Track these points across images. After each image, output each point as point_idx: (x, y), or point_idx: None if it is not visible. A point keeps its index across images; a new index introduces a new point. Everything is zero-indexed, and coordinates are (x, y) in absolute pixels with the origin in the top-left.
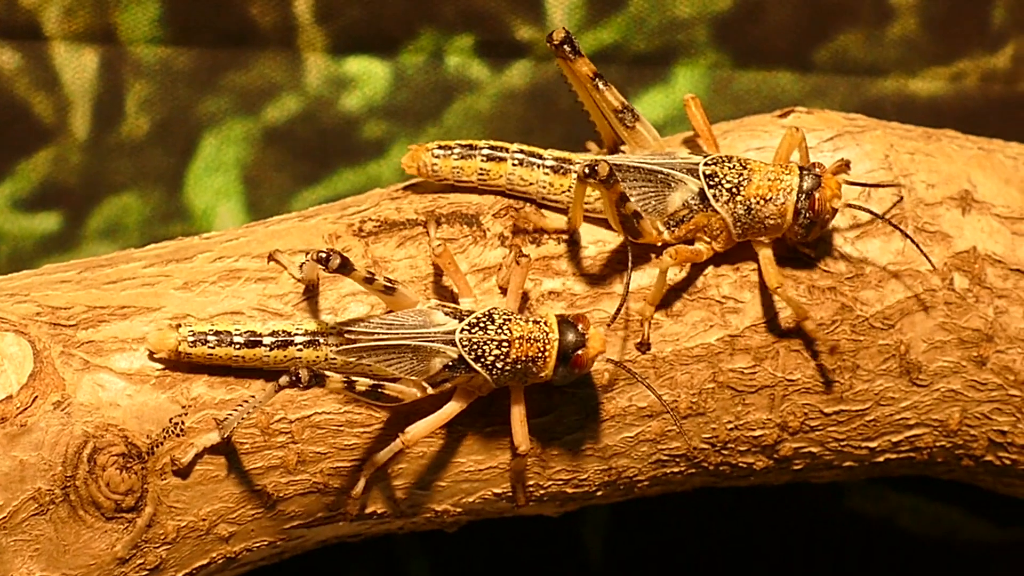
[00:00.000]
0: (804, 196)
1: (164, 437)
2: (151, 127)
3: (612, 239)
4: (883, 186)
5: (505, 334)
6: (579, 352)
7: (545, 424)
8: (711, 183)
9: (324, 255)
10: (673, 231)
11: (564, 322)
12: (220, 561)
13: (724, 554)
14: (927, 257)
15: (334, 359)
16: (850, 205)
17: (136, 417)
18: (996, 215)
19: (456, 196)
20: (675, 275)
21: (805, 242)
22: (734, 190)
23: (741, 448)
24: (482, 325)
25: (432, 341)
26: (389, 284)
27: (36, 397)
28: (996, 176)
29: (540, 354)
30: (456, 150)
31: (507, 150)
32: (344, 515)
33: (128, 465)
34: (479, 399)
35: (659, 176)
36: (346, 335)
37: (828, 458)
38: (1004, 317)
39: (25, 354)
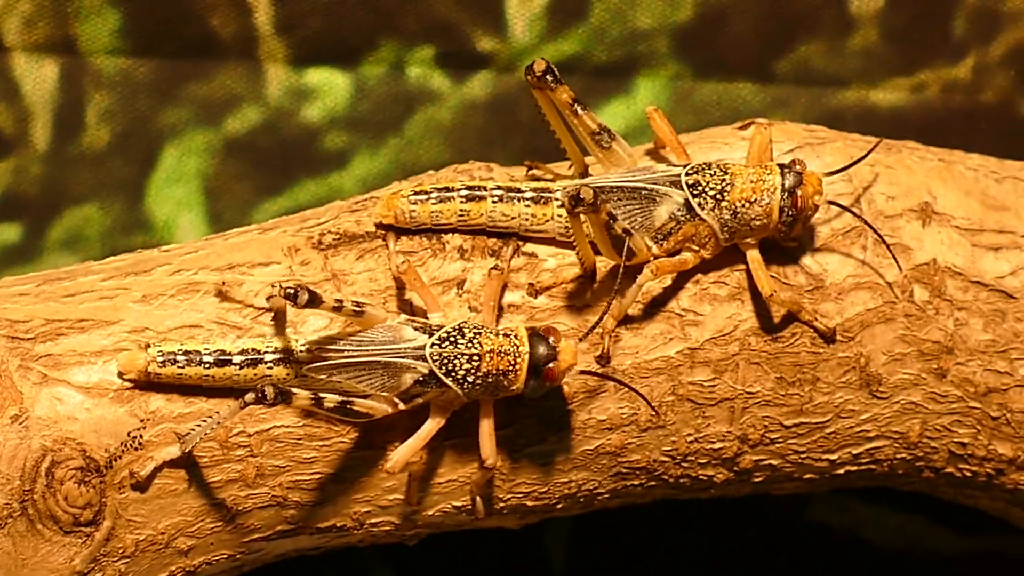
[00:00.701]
0: (787, 194)
1: (122, 451)
2: (112, 138)
3: (571, 252)
4: (856, 163)
5: (476, 348)
6: (550, 365)
7: (506, 437)
8: (695, 192)
9: (292, 291)
10: (662, 245)
11: (535, 335)
12: (179, 575)
13: (687, 565)
14: (896, 260)
15: (304, 376)
16: (831, 203)
17: (94, 431)
18: (956, 227)
19: None
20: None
21: (789, 238)
22: (718, 196)
23: (701, 460)
24: (452, 339)
25: (402, 357)
26: (358, 308)
27: None
28: (956, 188)
29: (511, 367)
30: (433, 195)
31: (485, 188)
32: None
33: (86, 479)
34: (455, 413)
35: (643, 192)
36: (316, 352)
37: (788, 470)
38: (964, 329)
39: None
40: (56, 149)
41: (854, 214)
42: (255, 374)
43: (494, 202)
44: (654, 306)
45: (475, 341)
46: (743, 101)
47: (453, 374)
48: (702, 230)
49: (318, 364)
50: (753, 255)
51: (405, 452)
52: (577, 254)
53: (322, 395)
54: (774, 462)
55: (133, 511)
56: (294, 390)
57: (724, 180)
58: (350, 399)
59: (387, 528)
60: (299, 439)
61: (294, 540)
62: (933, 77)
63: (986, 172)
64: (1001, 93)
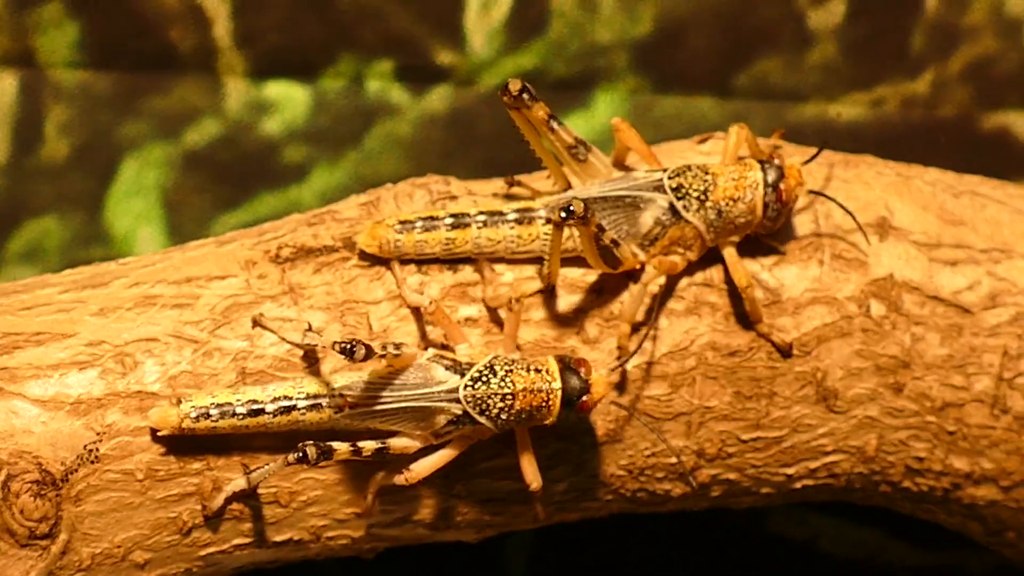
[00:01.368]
0: (771, 189)
1: (79, 464)
2: (71, 151)
3: (528, 266)
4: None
5: (508, 387)
6: (584, 398)
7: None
8: (679, 195)
9: (349, 347)
10: (648, 250)
11: (566, 368)
12: None
13: None
14: (863, 233)
15: (338, 420)
16: (812, 191)
17: (51, 444)
18: (914, 242)
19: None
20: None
21: (772, 232)
22: (702, 197)
23: (658, 475)
24: (484, 379)
25: (436, 400)
26: (396, 351)
27: None
28: (914, 202)
29: (544, 403)
30: (418, 224)
31: (468, 215)
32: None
33: (42, 492)
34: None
35: (627, 200)
36: (348, 398)
37: (746, 484)
38: (921, 344)
39: None
40: (15, 162)
41: (840, 205)
42: (289, 420)
43: (479, 228)
44: (610, 320)
45: (508, 379)
46: (702, 115)
47: (487, 413)
48: (688, 232)
49: (351, 411)
50: (730, 251)
51: (424, 470)
52: (545, 269)
53: (360, 444)
54: (731, 476)
55: (89, 524)
56: (334, 445)
57: (707, 180)
58: (385, 444)
59: (344, 542)
60: (256, 452)
61: (251, 553)
62: (892, 92)
63: (944, 187)
64: (959, 108)
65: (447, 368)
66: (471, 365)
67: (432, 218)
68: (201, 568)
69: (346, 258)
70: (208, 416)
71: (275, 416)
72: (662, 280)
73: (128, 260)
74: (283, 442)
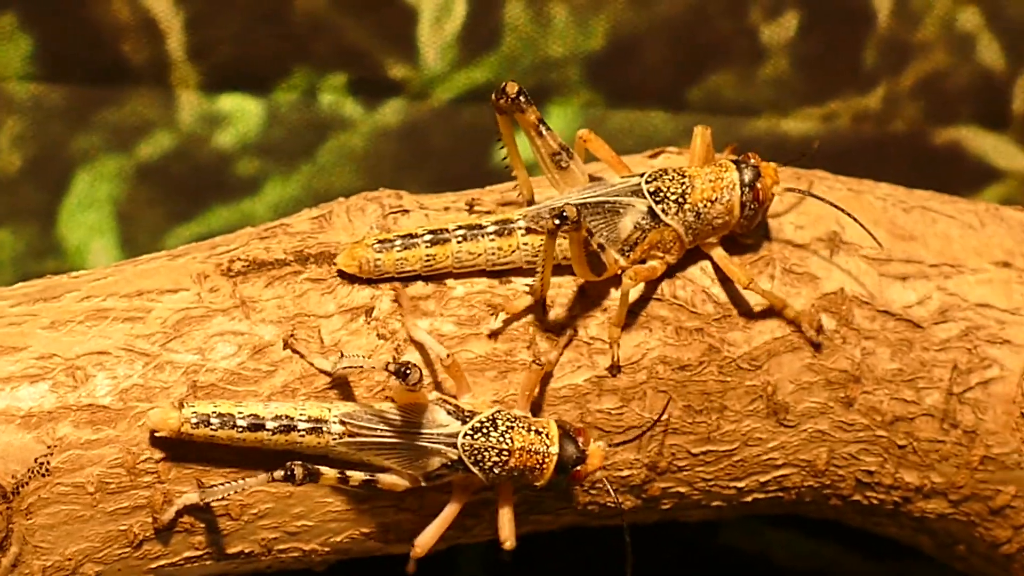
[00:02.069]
0: (747, 188)
1: (29, 477)
2: (24, 163)
3: (480, 279)
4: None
5: (506, 443)
6: (578, 468)
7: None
8: (657, 199)
9: (403, 369)
10: (628, 255)
11: (565, 435)
12: None
13: None
14: (874, 238)
15: (334, 447)
16: (789, 189)
17: (1, 457)
18: (864, 256)
19: (324, 236)
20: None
21: (748, 231)
22: (680, 200)
23: (609, 488)
24: (485, 431)
25: (434, 442)
26: (418, 380)
27: None
28: (865, 217)
29: (538, 465)
30: (397, 242)
31: (447, 230)
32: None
33: None
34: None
35: (606, 206)
36: (348, 426)
37: (696, 498)
38: (871, 358)
39: None
40: None
41: (840, 207)
42: (287, 440)
43: (459, 242)
44: (563, 334)
45: (507, 436)
46: (655, 129)
47: (481, 464)
48: (667, 235)
49: (350, 440)
50: (718, 252)
51: (430, 537)
52: (536, 281)
53: (348, 473)
54: (682, 489)
55: (40, 537)
56: (322, 469)
57: (684, 183)
58: (375, 477)
59: (295, 554)
60: (206, 466)
61: (202, 566)
62: (844, 107)
63: (894, 201)
64: (911, 123)
65: (449, 412)
66: (473, 413)
67: (411, 235)
68: None
69: (297, 272)
70: (208, 424)
71: (274, 434)
72: (640, 287)
73: (80, 273)
74: (239, 458)
